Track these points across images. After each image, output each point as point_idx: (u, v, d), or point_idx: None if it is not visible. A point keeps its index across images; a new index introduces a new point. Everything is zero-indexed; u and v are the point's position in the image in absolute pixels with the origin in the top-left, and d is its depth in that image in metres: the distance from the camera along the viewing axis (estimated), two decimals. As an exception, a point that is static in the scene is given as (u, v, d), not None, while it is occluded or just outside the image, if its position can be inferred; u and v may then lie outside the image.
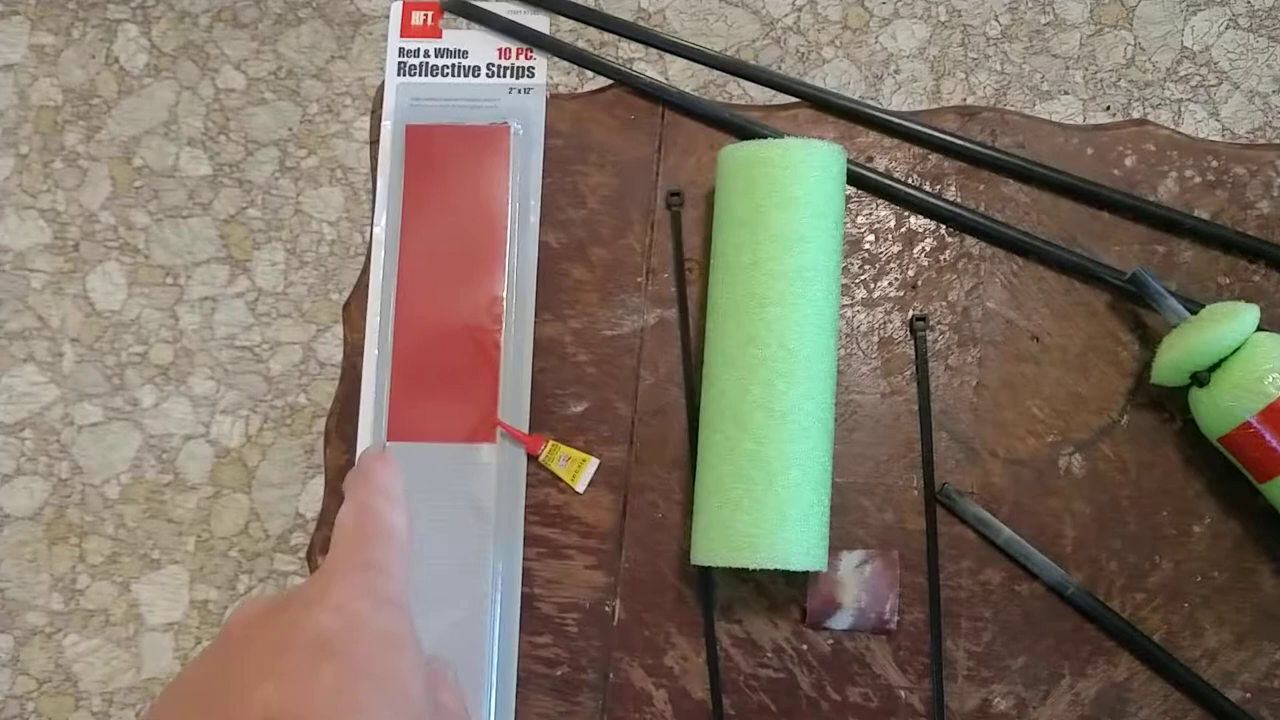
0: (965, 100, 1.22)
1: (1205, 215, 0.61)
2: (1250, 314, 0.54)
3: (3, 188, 1.24)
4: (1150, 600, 0.58)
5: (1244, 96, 1.21)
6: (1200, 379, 0.55)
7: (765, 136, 0.61)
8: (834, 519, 0.58)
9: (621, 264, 0.62)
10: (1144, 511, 0.58)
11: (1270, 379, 0.53)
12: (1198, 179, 0.61)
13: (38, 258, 1.24)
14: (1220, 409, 0.55)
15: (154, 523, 1.18)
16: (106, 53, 1.27)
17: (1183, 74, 1.22)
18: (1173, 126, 0.79)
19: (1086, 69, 1.23)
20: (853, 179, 0.61)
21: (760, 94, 1.27)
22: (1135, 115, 1.22)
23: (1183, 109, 1.22)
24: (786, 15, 1.26)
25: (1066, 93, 1.22)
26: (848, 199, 0.62)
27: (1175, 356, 0.55)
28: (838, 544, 0.58)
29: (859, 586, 0.57)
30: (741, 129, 0.62)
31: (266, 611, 0.41)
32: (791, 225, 0.56)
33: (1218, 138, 1.22)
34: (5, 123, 1.24)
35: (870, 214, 0.62)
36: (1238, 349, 0.54)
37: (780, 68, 1.23)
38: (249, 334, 1.21)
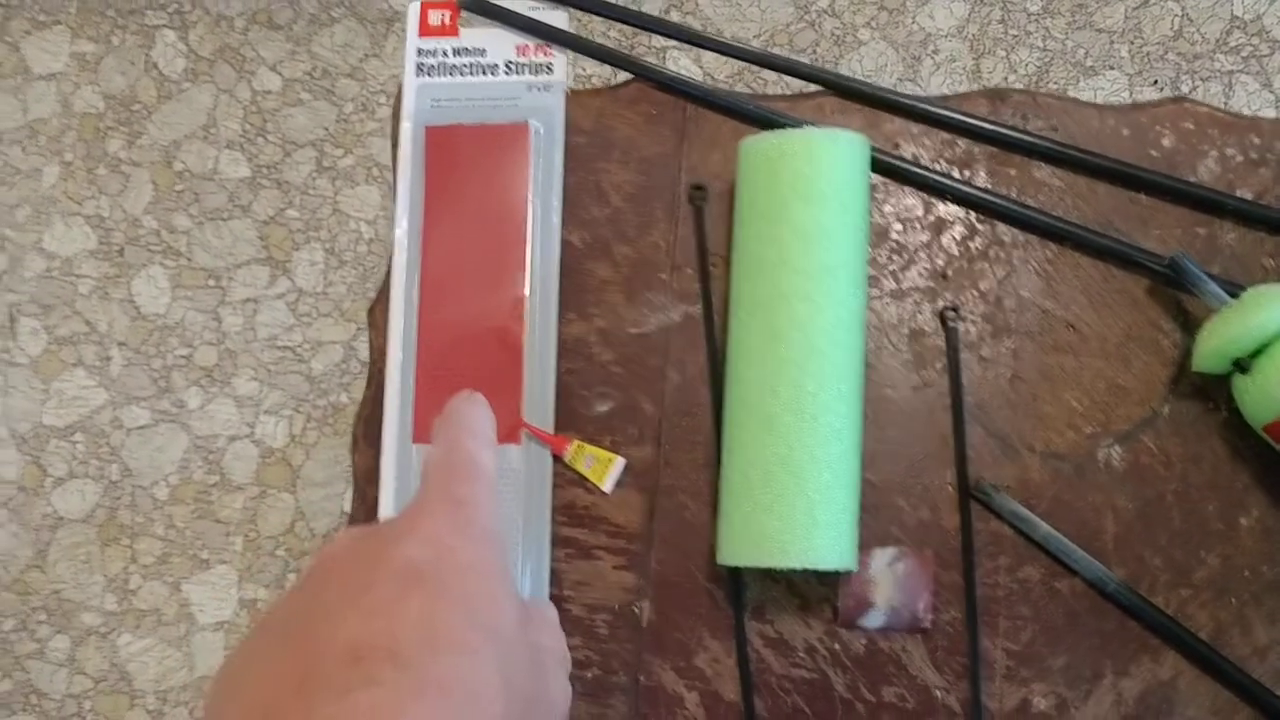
0: (1006, 79, 1.20)
1: (1248, 195, 0.58)
2: (1295, 297, 0.52)
3: (49, 195, 1.26)
4: (1196, 596, 0.56)
5: (1301, 66, 1.17)
6: (1243, 365, 0.53)
7: (788, 127, 0.60)
8: (868, 517, 0.57)
9: (646, 261, 0.61)
10: (1189, 505, 0.56)
11: (1317, 365, 0.51)
12: (1240, 157, 0.59)
13: (84, 263, 1.26)
14: (1265, 396, 0.53)
15: (202, 523, 1.20)
16: (145, 59, 1.28)
17: (1233, 44, 1.18)
18: (1223, 102, 0.76)
19: (1132, 43, 1.20)
20: (879, 168, 0.60)
21: (796, 81, 1.25)
22: (1184, 89, 1.18)
23: (1234, 81, 1.18)
24: (823, -2, 1.24)
25: (1112, 68, 1.19)
26: (874, 188, 0.60)
27: (1216, 343, 0.53)
28: (871, 542, 0.57)
29: (892, 585, 0.56)
30: (765, 120, 0.61)
31: (355, 544, 0.40)
32: (816, 219, 0.54)
33: (1271, 110, 1.18)
34: (50, 131, 1.26)
35: (898, 203, 0.60)
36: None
37: (815, 52, 1.21)
38: (290, 334, 1.22)
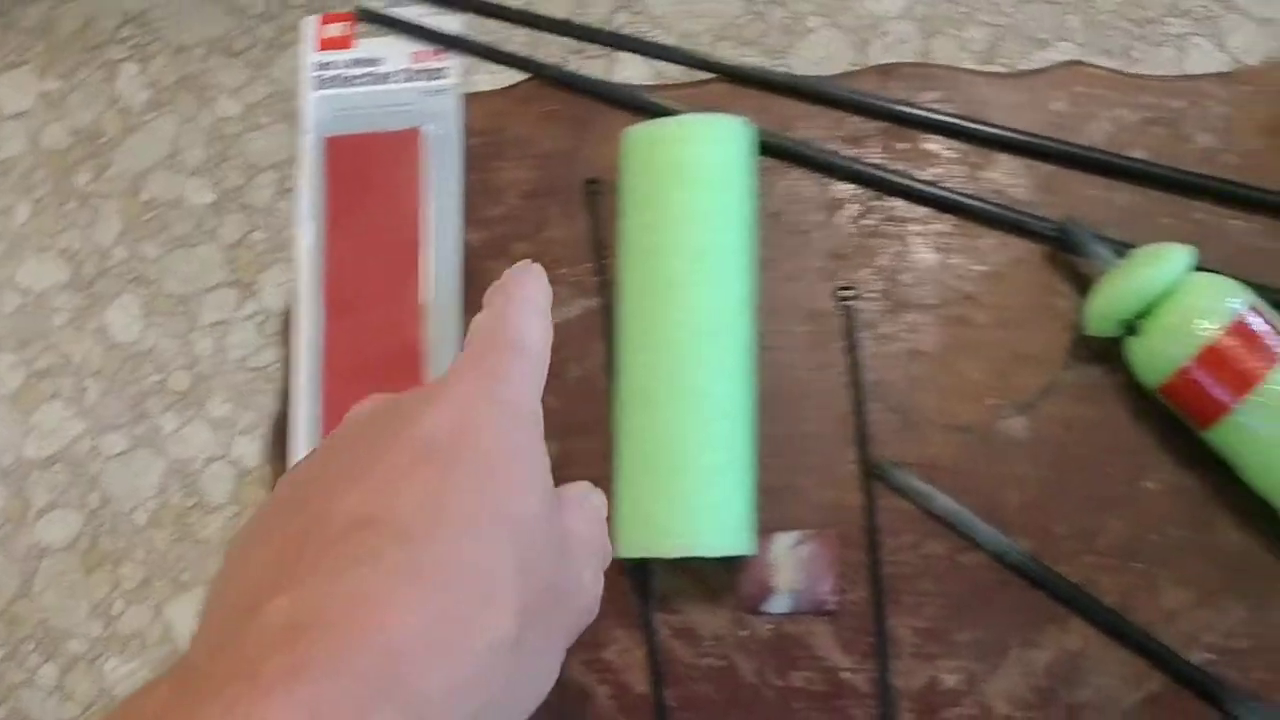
0: (958, 58, 1.19)
1: (1142, 155, 0.58)
2: (1178, 254, 0.52)
3: (21, 232, 1.28)
4: (1103, 562, 0.55)
5: (1255, 25, 1.15)
6: (1132, 327, 0.53)
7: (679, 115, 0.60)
8: (771, 501, 0.57)
9: (544, 257, 0.61)
10: (1092, 471, 0.56)
11: (1203, 321, 0.50)
12: (1133, 118, 0.58)
13: (58, 296, 1.28)
14: (1154, 357, 0.52)
15: (182, 545, 1.22)
16: (109, 92, 1.31)
17: (1184, 8, 1.16)
18: (1178, 67, 0.74)
19: (1084, 13, 1.18)
20: (770, 150, 0.60)
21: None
22: (1136, 56, 1.17)
23: (1186, 44, 1.16)
24: (768, -12, 1.24)
25: (1064, 39, 1.18)
26: (767, 171, 0.60)
27: (1104, 306, 0.53)
28: (777, 526, 0.57)
29: (795, 568, 0.56)
30: (658, 110, 0.61)
31: (379, 408, 0.38)
32: (693, 203, 0.54)
33: (1225, 68, 1.16)
34: (20, 169, 1.29)
35: (790, 184, 0.60)
36: (1169, 292, 0.52)
37: (765, 42, 1.21)
38: (260, 355, 1.23)
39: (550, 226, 0.62)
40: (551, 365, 0.61)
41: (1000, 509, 0.56)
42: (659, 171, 0.55)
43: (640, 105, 0.62)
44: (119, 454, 1.26)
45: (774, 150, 0.60)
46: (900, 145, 0.60)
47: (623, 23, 1.26)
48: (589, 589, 0.41)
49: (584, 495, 0.44)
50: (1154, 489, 0.55)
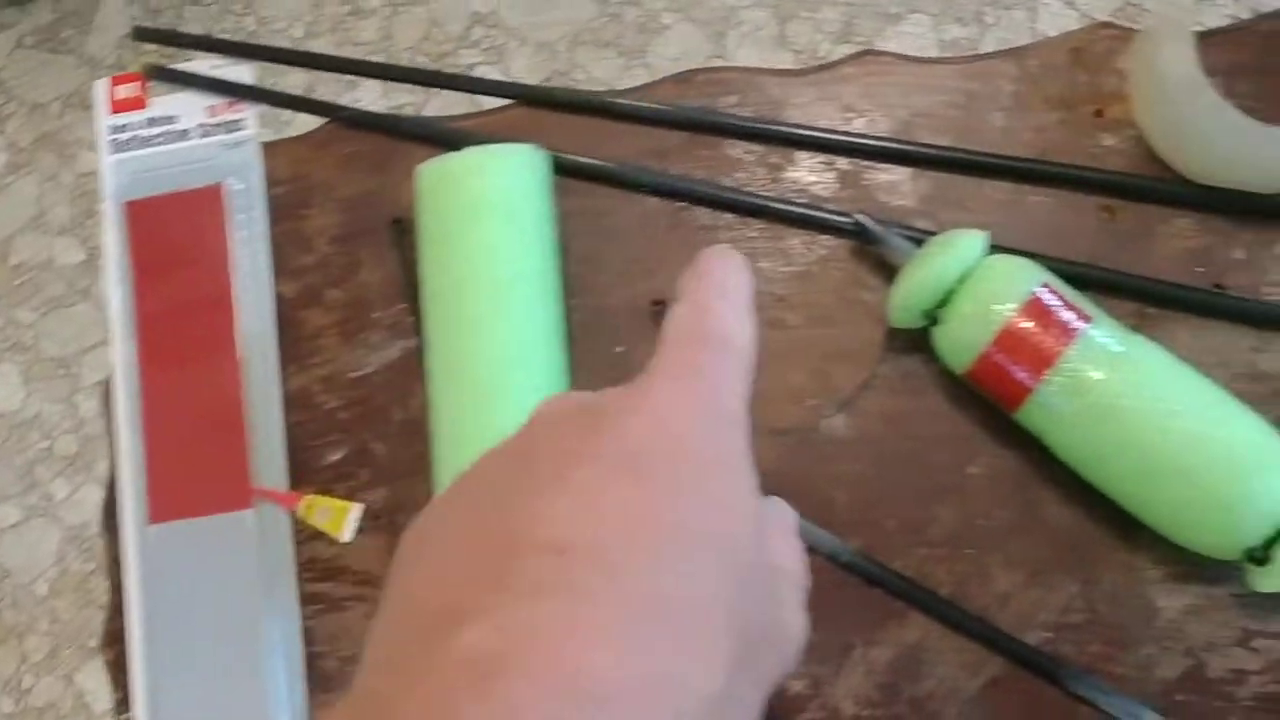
0: (813, 39, 1.19)
1: (941, 139, 0.58)
2: (970, 240, 0.51)
3: (-103, 314, 1.26)
4: (934, 553, 0.55)
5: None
6: (933, 317, 0.52)
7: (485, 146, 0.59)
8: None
9: (358, 302, 0.61)
10: (917, 462, 0.55)
11: (997, 304, 0.50)
12: (927, 103, 0.58)
13: (-62, 371, 1.26)
14: (956, 344, 0.52)
15: (88, 611, 1.20)
16: (-28, 162, 1.29)
17: (1035, -30, 1.17)
18: (1029, 28, 0.73)
19: (936, -17, 1.19)
20: (573, 171, 0.59)
21: (610, 76, 1.24)
22: (989, 21, 1.17)
23: (1038, 5, 1.17)
24: (620, -12, 1.23)
25: (916, 11, 1.18)
26: (573, 192, 0.59)
27: (903, 298, 0.53)
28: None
29: (630, 591, 0.55)
30: (458, 142, 0.60)
31: (574, 410, 0.34)
32: (487, 236, 0.54)
33: (1075, 26, 1.17)
34: (-105, 246, 1.26)
35: (596, 203, 0.60)
36: (965, 279, 0.51)
37: (622, 44, 1.20)
38: (146, 410, 1.22)
39: (363, 270, 0.61)
40: (376, 412, 0.61)
41: (830, 509, 0.56)
42: (451, 207, 0.55)
43: (441, 138, 0.61)
44: (13, 525, 1.24)
45: (576, 170, 0.59)
46: (703, 153, 0.59)
47: (479, 37, 1.25)
48: (794, 631, 0.36)
49: (781, 513, 0.39)
50: (978, 474, 0.55)
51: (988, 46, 0.95)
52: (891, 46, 1.23)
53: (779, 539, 0.36)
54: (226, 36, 1.25)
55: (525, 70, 1.22)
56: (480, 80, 0.62)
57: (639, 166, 0.59)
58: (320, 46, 1.23)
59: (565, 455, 0.31)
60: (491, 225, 0.54)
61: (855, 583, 0.55)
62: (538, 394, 0.53)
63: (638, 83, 0.62)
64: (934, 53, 1.21)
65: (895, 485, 0.55)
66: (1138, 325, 0.54)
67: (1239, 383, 0.54)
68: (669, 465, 0.30)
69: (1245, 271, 0.54)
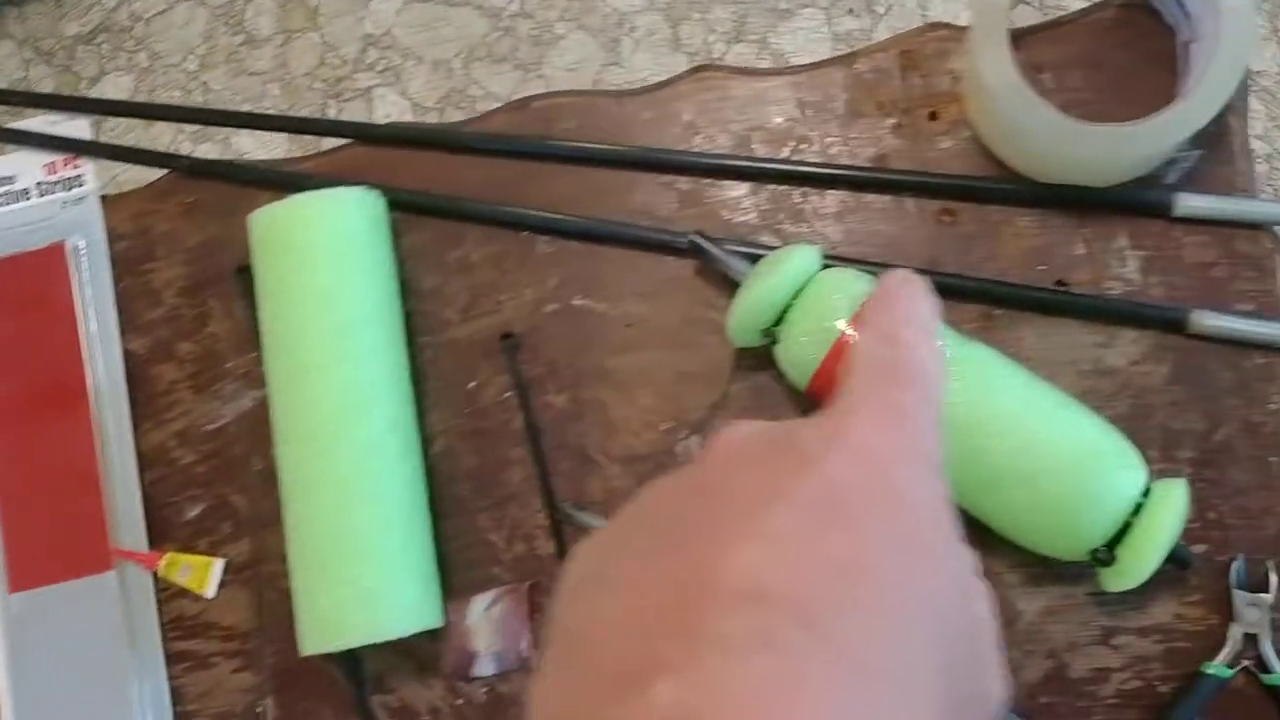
0: (706, 40, 1.18)
1: (781, 154, 0.57)
2: (799, 256, 0.51)
3: None
4: (796, 569, 0.54)
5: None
6: (772, 335, 0.52)
7: (319, 189, 0.59)
8: (465, 564, 0.56)
9: (210, 354, 0.60)
10: (772, 479, 0.55)
11: (830, 319, 0.50)
12: (758, 117, 0.57)
13: None
14: (794, 361, 0.51)
15: None
16: None
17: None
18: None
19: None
20: (412, 206, 0.59)
21: (508, 90, 1.23)
22: (880, 10, 1.17)
23: (927, -8, 1.16)
24: (510, 2, 1.22)
25: (807, 5, 1.17)
26: (413, 228, 0.59)
27: (740, 318, 0.52)
28: (473, 589, 0.56)
29: (492, 630, 0.55)
30: (299, 185, 0.60)
31: (763, 440, 0.31)
32: (319, 283, 0.53)
33: (966, 11, 1.17)
34: None
35: (438, 239, 0.59)
36: (798, 293, 0.51)
37: (516, 57, 1.19)
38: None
39: (212, 320, 0.60)
40: (234, 464, 0.60)
41: (690, 533, 0.55)
42: (283, 255, 0.54)
43: (280, 182, 0.60)
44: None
45: (417, 206, 0.59)
46: (545, 181, 0.58)
47: (374, 59, 1.23)
48: (996, 691, 0.33)
49: (973, 562, 0.36)
50: (834, 487, 0.55)
51: (881, 36, 0.95)
52: (785, 42, 1.23)
53: (976, 592, 0.32)
54: (121, 74, 1.23)
55: (423, 90, 1.21)
56: (317, 121, 0.61)
57: (480, 199, 0.58)
58: (215, 78, 1.22)
59: (758, 494, 0.28)
60: (324, 271, 0.53)
61: (718, 605, 0.54)
62: (383, 438, 0.53)
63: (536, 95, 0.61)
64: (828, 46, 1.20)
65: (753, 504, 0.55)
66: (984, 328, 0.54)
67: (1087, 379, 0.54)
68: (874, 511, 0.28)
69: (1087, 267, 0.54)
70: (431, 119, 1.17)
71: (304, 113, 1.17)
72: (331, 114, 1.19)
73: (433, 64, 1.20)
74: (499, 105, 0.60)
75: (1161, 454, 0.52)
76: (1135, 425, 0.53)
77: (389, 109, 1.21)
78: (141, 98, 1.20)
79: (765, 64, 1.17)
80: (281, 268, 0.54)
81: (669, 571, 0.27)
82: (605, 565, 0.30)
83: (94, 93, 1.21)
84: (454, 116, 0.66)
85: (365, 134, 0.60)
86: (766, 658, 0.24)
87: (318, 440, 0.52)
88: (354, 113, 1.19)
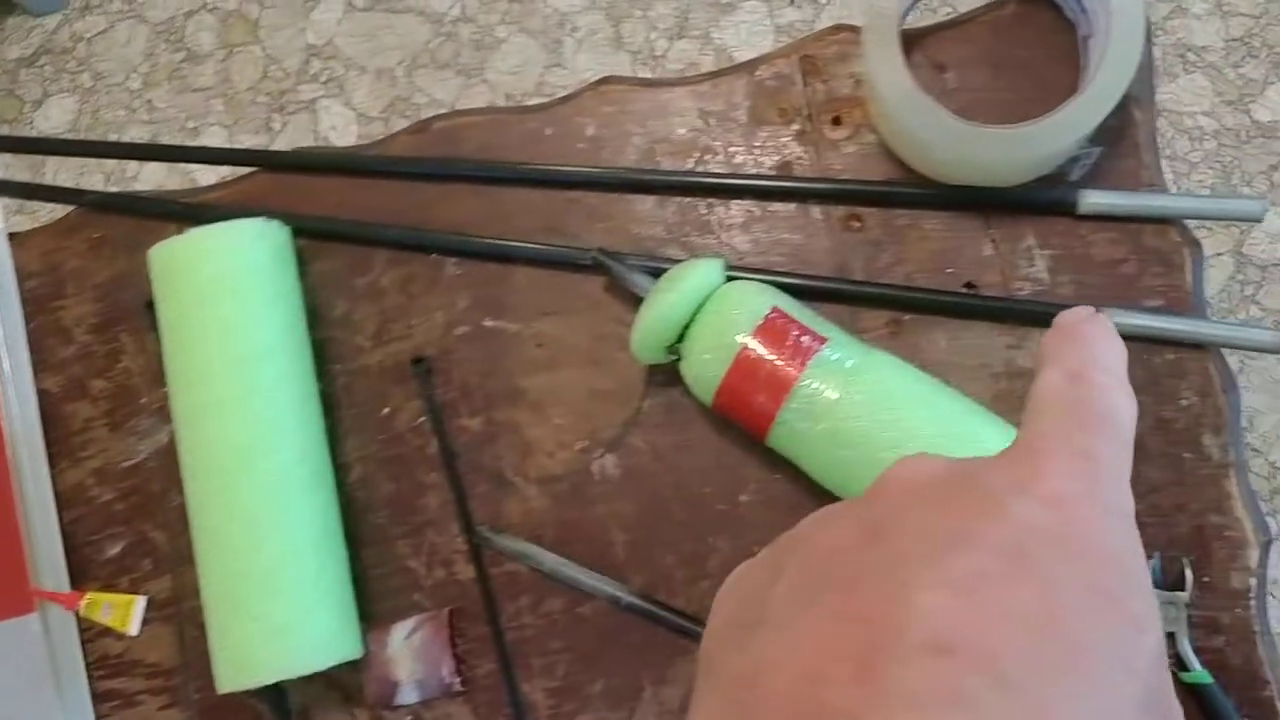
0: (649, 38, 1.17)
1: (685, 165, 0.56)
2: (699, 270, 0.50)
3: None
4: (715, 585, 0.53)
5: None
6: (675, 351, 0.51)
7: (226, 220, 0.58)
8: (385, 592, 0.56)
9: (124, 390, 0.59)
10: (688, 495, 0.55)
11: (730, 334, 0.49)
12: (662, 127, 0.57)
13: None
14: (697, 377, 0.51)
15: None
16: None
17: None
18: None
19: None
20: (318, 233, 0.58)
21: (452, 96, 1.22)
22: (822, 0, 1.15)
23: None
24: (452, 7, 1.21)
25: (751, -1, 1.16)
26: (321, 255, 0.58)
27: (643, 335, 0.51)
28: (394, 617, 0.55)
29: (412, 658, 0.55)
30: (204, 217, 0.59)
31: (944, 479, 0.29)
32: (219, 318, 0.53)
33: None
34: None
35: (346, 265, 0.58)
36: (699, 309, 0.50)
37: (458, 62, 1.18)
38: None
39: (124, 356, 0.59)
40: (152, 500, 0.59)
41: (608, 551, 0.55)
42: (183, 290, 0.53)
43: (186, 214, 0.59)
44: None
45: (324, 233, 0.58)
46: (452, 202, 0.58)
47: (317, 70, 1.22)
48: None
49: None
50: (751, 501, 0.54)
51: (824, 25, 0.95)
52: (727, 37, 1.22)
53: (1167, 680, 0.30)
54: (65, 96, 1.23)
55: (367, 100, 1.20)
56: (218, 150, 0.60)
57: (387, 223, 0.58)
58: (159, 96, 1.21)
59: (941, 538, 0.26)
60: (224, 304, 0.52)
61: (641, 624, 0.54)
62: (291, 470, 0.52)
63: (480, 104, 0.60)
64: (771, 39, 1.19)
65: (670, 520, 0.55)
66: (894, 333, 0.53)
67: (1000, 382, 0.53)
68: (1067, 563, 0.26)
69: (996, 268, 0.53)
70: (376, 129, 1.17)
71: (249, 127, 1.16)
72: (276, 127, 1.18)
73: (376, 73, 1.19)
74: (407, 126, 0.59)
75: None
76: (1049, 426, 0.52)
77: (334, 120, 1.20)
78: (86, 119, 1.19)
79: (708, 59, 1.16)
80: (181, 303, 0.53)
81: (843, 615, 0.26)
82: (765, 603, 0.28)
83: (38, 116, 1.21)
84: (399, 125, 0.65)
85: (269, 161, 0.59)
86: (952, 712, 0.23)
87: (223, 476, 0.52)
88: (299, 125, 1.18)
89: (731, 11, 1.17)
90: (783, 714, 0.25)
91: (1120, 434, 0.30)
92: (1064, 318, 0.34)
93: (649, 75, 0.53)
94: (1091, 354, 0.32)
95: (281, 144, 1.18)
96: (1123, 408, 0.31)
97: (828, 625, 0.26)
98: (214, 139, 1.16)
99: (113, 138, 1.15)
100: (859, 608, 0.25)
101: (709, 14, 1.17)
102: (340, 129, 1.18)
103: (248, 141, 1.17)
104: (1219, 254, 1.14)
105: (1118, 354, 0.32)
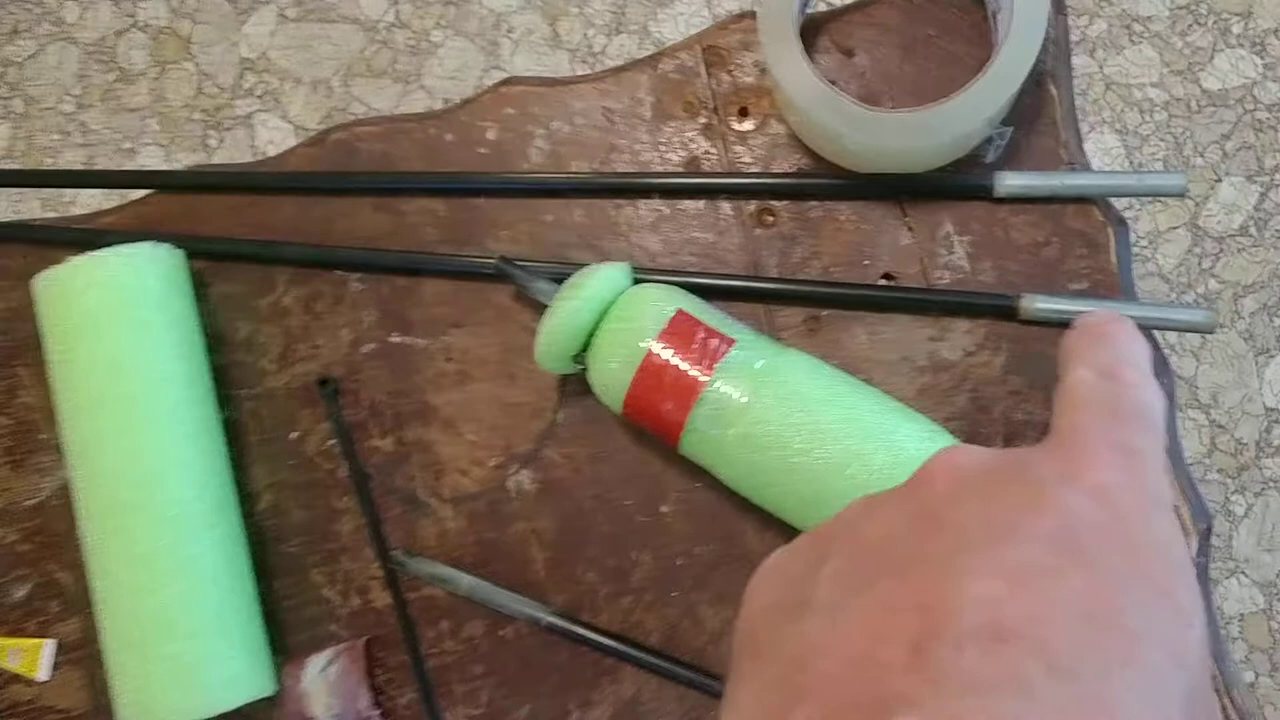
0: (586, 35, 1.14)
1: (591, 166, 0.54)
2: (601, 276, 0.48)
3: None
4: (640, 600, 0.52)
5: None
6: (581, 361, 0.49)
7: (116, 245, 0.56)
8: (300, 625, 0.53)
9: (24, 426, 0.57)
10: (608, 508, 0.53)
11: (634, 341, 0.47)
12: (566, 128, 0.55)
13: None
14: (604, 386, 0.49)
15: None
16: None
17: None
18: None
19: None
20: (216, 256, 0.56)
21: (390, 104, 1.19)
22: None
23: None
24: (385, 13, 1.18)
25: (688, -7, 1.14)
26: (221, 277, 0.56)
27: (544, 345, 0.49)
28: (311, 648, 0.53)
29: (328, 692, 0.53)
30: (99, 243, 0.57)
31: (993, 471, 0.29)
32: (108, 350, 0.50)
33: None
34: None
35: (247, 286, 0.56)
36: (603, 315, 0.48)
37: (395, 69, 1.15)
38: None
39: (23, 391, 0.57)
40: (58, 539, 0.57)
41: (528, 570, 0.53)
42: (69, 322, 0.51)
43: (81, 241, 0.57)
44: None
45: (223, 254, 0.56)
46: (355, 215, 0.56)
47: (252, 84, 1.20)
48: None
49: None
50: (673, 512, 0.52)
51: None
52: (666, 30, 1.20)
53: (1208, 678, 0.30)
54: (-4, 121, 1.20)
55: (303, 112, 1.17)
56: (109, 173, 0.58)
57: (287, 241, 0.56)
58: (93, 118, 1.18)
59: (992, 527, 0.27)
60: (111, 336, 0.50)
61: (565, 644, 0.52)
62: (189, 504, 0.50)
63: (420, 110, 0.58)
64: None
65: (591, 536, 0.53)
66: (811, 330, 0.51)
67: (923, 375, 0.51)
68: (1117, 553, 0.26)
69: (914, 258, 0.52)
70: (315, 141, 1.14)
71: (186, 145, 1.14)
72: (213, 144, 1.16)
73: (312, 84, 1.17)
74: (300, 141, 0.57)
75: (1005, 448, 0.50)
76: (976, 419, 0.51)
77: (271, 134, 1.18)
78: (20, 145, 1.17)
79: (649, 54, 1.14)
80: (66, 336, 0.51)
81: (895, 601, 0.26)
82: (809, 587, 0.28)
83: (-28, 142, 1.18)
84: (339, 136, 0.64)
85: (164, 182, 0.57)
86: (1005, 696, 0.23)
87: (118, 515, 0.50)
88: (236, 141, 1.16)
89: (669, 4, 1.14)
90: (837, 696, 0.25)
91: (1155, 428, 0.31)
92: (1088, 319, 0.34)
93: (588, 72, 0.51)
94: (1121, 352, 0.33)
95: (219, 160, 1.15)
96: (1155, 403, 0.32)
97: (880, 611, 0.26)
98: (151, 159, 1.13)
99: (49, 163, 1.13)
100: (912, 594, 0.25)
101: (646, 7, 1.14)
102: (278, 143, 1.16)
103: (185, 160, 1.15)
104: (1174, 227, 1.12)
105: (1144, 352, 0.33)
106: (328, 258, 0.55)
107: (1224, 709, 0.47)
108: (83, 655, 0.55)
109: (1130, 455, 0.30)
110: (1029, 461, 0.29)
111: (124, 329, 0.50)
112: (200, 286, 0.56)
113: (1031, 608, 0.25)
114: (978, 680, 0.23)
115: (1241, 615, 1.08)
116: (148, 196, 0.58)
